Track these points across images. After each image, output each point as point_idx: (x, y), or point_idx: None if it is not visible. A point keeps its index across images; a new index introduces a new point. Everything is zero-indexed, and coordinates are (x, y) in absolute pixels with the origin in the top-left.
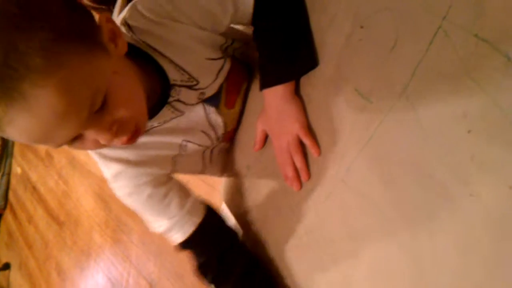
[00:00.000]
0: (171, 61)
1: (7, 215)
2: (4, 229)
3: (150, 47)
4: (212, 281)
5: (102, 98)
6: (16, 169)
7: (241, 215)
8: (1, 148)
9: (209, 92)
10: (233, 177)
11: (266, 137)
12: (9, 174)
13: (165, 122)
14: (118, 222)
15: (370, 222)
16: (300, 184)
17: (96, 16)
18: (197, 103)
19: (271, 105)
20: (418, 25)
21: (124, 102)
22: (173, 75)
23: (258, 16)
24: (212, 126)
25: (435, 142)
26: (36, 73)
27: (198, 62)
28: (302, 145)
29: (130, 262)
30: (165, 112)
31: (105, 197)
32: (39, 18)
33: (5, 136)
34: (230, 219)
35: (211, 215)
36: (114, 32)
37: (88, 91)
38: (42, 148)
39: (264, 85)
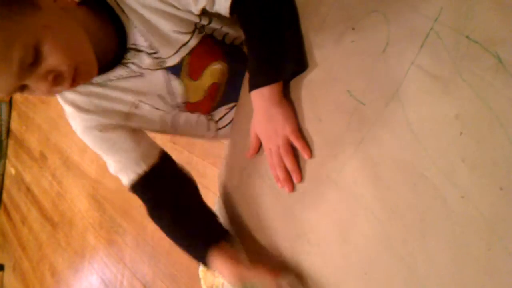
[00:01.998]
0: (135, 26)
1: (1, 216)
2: None
3: (119, 7)
4: (167, 223)
5: (33, 51)
6: (10, 170)
7: (235, 216)
8: None
9: (170, 62)
10: (230, 179)
11: (260, 143)
12: (3, 175)
13: (122, 78)
14: (112, 224)
15: (363, 224)
16: (292, 186)
17: None
18: (157, 69)
19: (259, 108)
20: (410, 27)
21: (57, 52)
22: (134, 40)
23: (236, 9)
24: (170, 92)
25: (427, 143)
26: None
27: (162, 33)
28: (293, 147)
29: (124, 263)
30: (119, 71)
31: (99, 198)
32: None
33: None
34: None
35: (161, 164)
36: None
37: (14, 48)
38: (36, 149)
39: (251, 87)
